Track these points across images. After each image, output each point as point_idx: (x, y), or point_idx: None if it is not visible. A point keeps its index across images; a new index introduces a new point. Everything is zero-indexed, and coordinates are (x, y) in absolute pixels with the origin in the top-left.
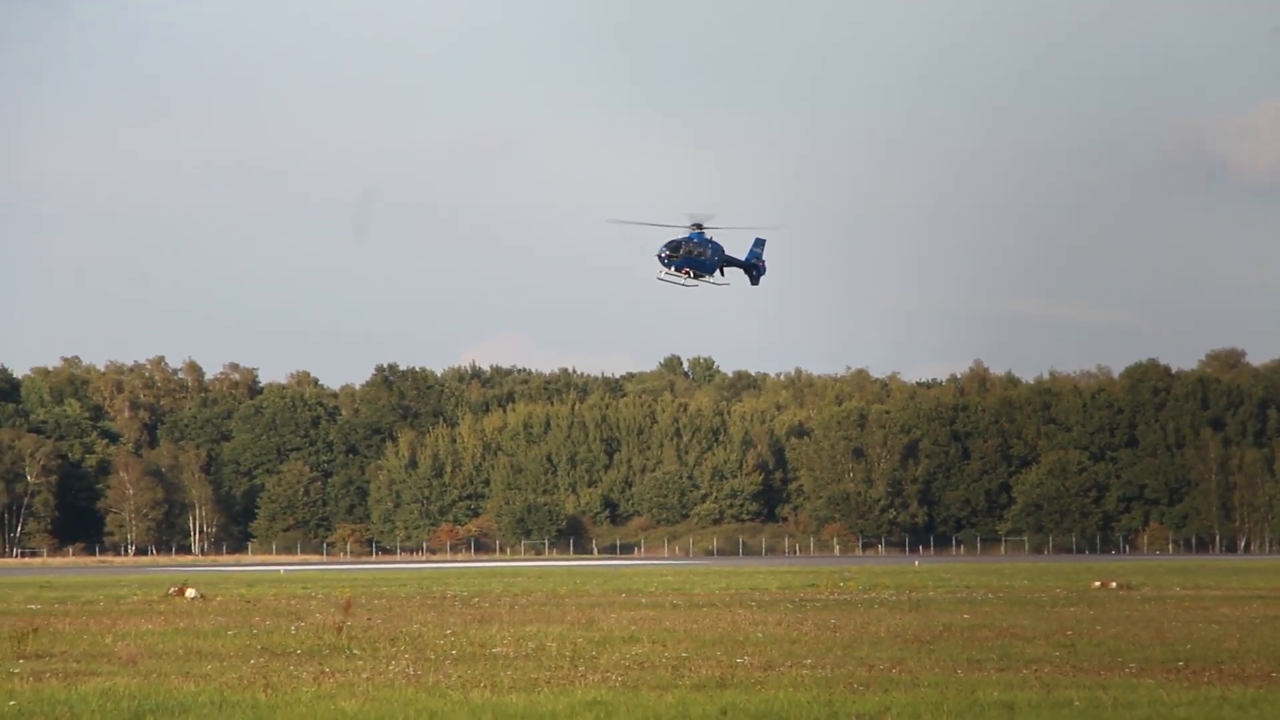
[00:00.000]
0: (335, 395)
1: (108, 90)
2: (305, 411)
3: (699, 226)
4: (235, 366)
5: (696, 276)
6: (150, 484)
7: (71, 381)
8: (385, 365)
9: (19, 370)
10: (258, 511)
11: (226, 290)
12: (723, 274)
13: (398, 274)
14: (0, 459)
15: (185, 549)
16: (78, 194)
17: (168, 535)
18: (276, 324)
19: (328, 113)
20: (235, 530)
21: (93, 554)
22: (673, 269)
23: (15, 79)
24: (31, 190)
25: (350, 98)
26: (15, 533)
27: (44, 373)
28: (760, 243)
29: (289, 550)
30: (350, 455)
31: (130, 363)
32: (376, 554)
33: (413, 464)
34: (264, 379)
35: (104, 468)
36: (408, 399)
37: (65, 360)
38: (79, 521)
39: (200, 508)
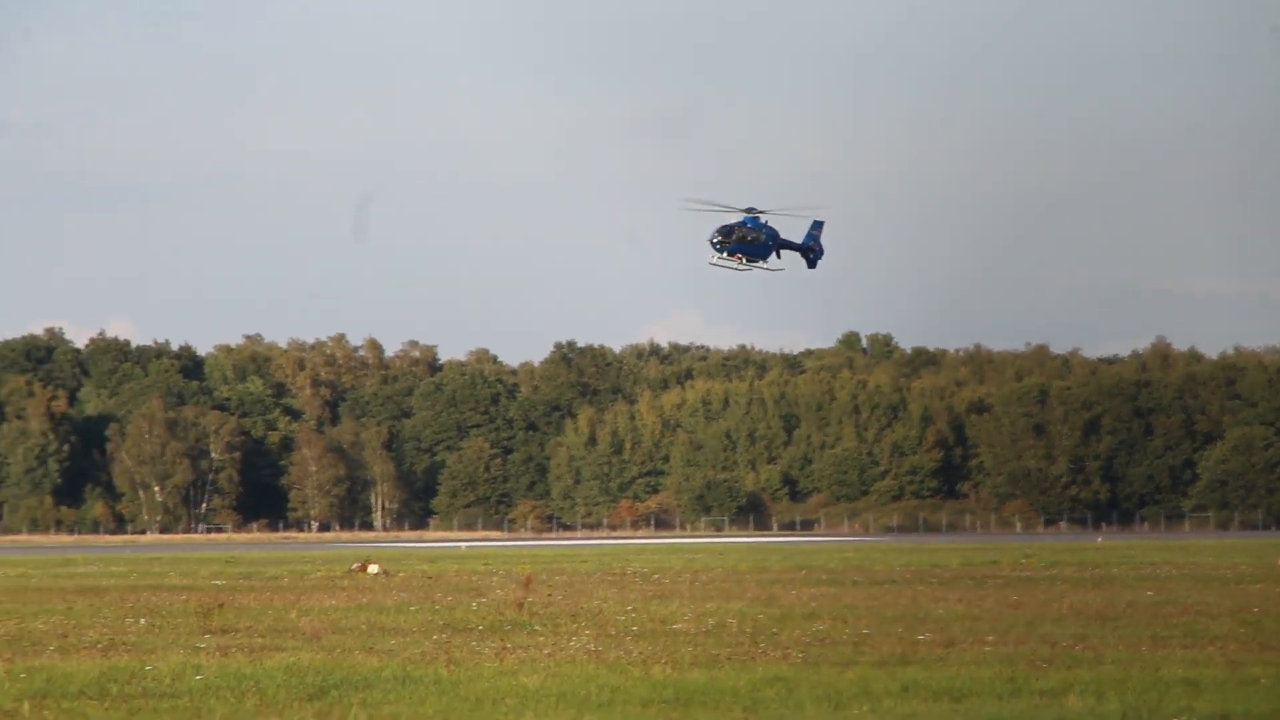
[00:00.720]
0: (514, 372)
1: (299, 73)
2: (485, 389)
3: (752, 211)
4: (415, 344)
5: (749, 261)
6: (332, 460)
7: (254, 359)
8: (564, 343)
9: (203, 348)
10: (439, 488)
11: (406, 268)
12: (779, 257)
13: (576, 253)
14: (185, 436)
15: (368, 525)
16: (258, 175)
17: (350, 511)
18: (456, 302)
19: (508, 90)
20: (417, 506)
21: (276, 530)
22: (725, 254)
23: (228, 61)
24: (216, 170)
25: (531, 79)
26: (201, 509)
27: (227, 350)
28: (818, 225)
29: (470, 527)
30: (530, 432)
31: (311, 340)
32: (557, 530)
33: (592, 441)
34: (443, 356)
35: (286, 444)
36: (586, 376)
37: (248, 338)
38: (263, 498)
39: (382, 484)
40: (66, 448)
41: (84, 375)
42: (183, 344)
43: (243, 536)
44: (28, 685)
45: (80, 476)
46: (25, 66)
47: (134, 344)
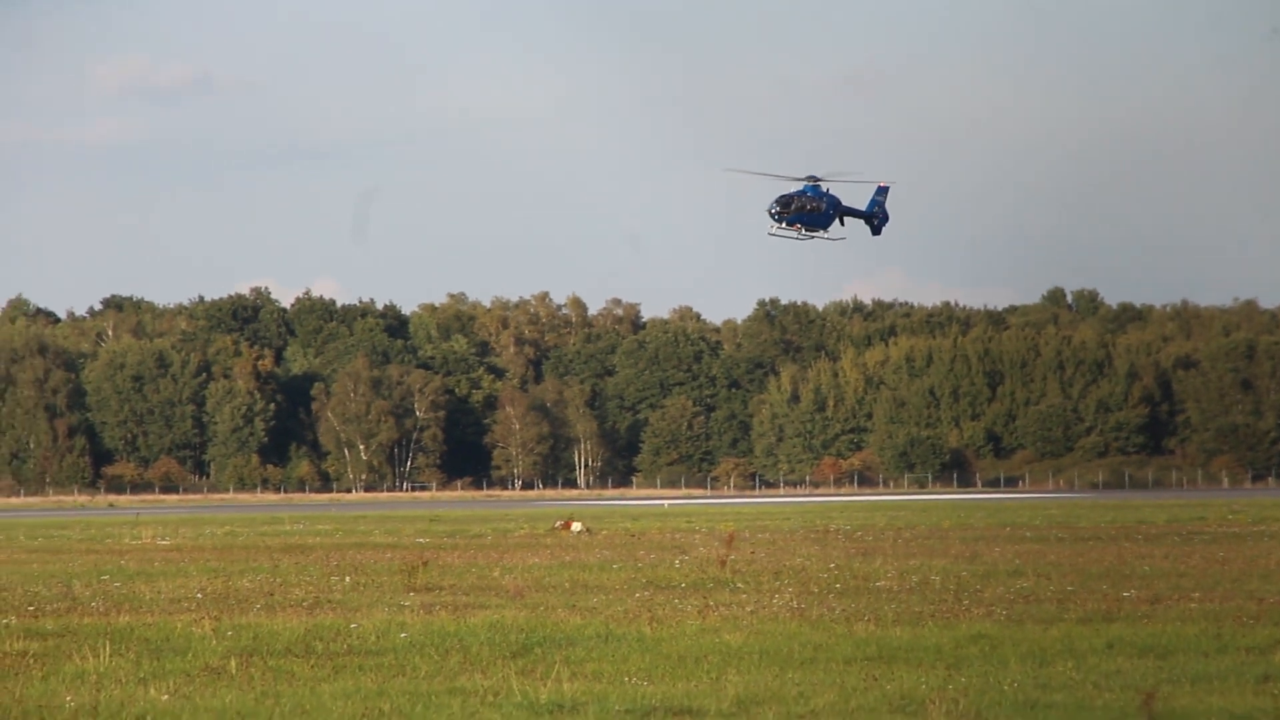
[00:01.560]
0: (717, 330)
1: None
2: (688, 346)
3: (814, 179)
4: (618, 302)
5: (809, 231)
6: (535, 419)
7: (458, 318)
8: (767, 300)
9: (407, 307)
10: (641, 446)
11: (607, 226)
12: (842, 224)
13: None
14: (390, 394)
15: (570, 483)
16: (462, 133)
17: (553, 470)
18: (658, 259)
19: (719, 52)
20: (620, 465)
21: (480, 488)
22: (784, 224)
23: (430, 20)
24: (419, 129)
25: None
26: (405, 467)
27: (431, 309)
28: (883, 190)
29: (673, 485)
30: (733, 390)
31: (515, 299)
32: (760, 488)
33: (795, 398)
34: (646, 314)
35: (490, 403)
36: (789, 333)
37: (452, 296)
38: (467, 456)
39: (585, 442)
40: (272, 407)
41: (290, 334)
42: (387, 303)
43: (446, 494)
44: (235, 643)
45: (286, 435)
46: (232, 25)
47: (339, 303)
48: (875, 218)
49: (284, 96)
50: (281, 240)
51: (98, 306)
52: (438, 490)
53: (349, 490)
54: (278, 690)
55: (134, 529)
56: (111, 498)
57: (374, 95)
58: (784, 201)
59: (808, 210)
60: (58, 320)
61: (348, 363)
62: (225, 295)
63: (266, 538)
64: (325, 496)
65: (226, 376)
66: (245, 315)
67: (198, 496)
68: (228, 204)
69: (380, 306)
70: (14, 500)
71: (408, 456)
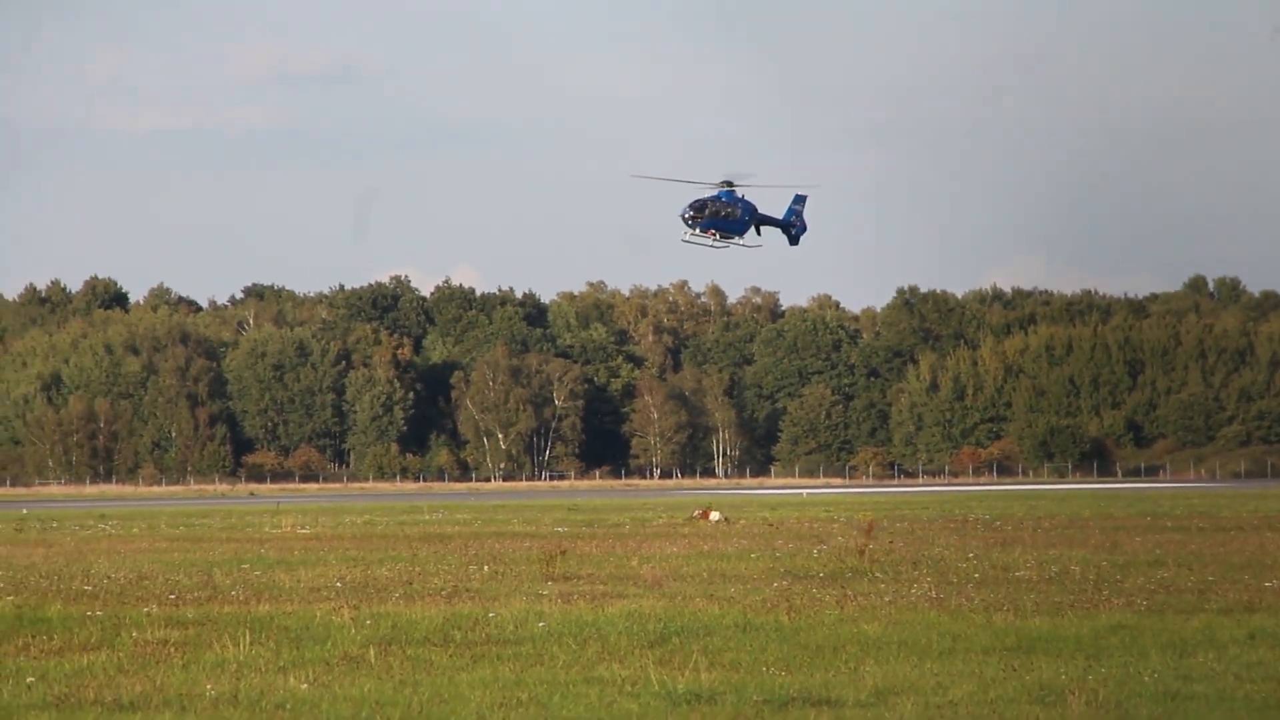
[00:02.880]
0: (856, 318)
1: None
2: (826, 335)
3: (729, 184)
4: (757, 290)
5: (724, 238)
6: (674, 408)
7: (597, 306)
8: (906, 288)
9: (546, 295)
10: (780, 435)
11: None
12: (758, 233)
13: (918, 197)
14: (529, 383)
15: (709, 472)
16: (599, 121)
17: (691, 459)
18: (797, 248)
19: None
20: (758, 454)
21: (618, 477)
22: (697, 230)
23: (567, 7)
24: (557, 115)
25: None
26: (544, 456)
27: (570, 298)
28: (800, 199)
29: (811, 474)
30: (871, 378)
31: (654, 287)
32: (898, 477)
33: (934, 387)
34: (785, 302)
35: (629, 392)
36: (929, 322)
37: (590, 285)
38: (605, 445)
39: (723, 431)
40: (411, 395)
41: (429, 323)
42: (526, 291)
43: (585, 483)
44: (373, 631)
45: (425, 424)
46: (372, 13)
47: (478, 291)
48: (793, 226)
49: (421, 83)
50: (421, 228)
51: (239, 295)
52: (576, 479)
53: (487, 479)
54: (416, 679)
55: (274, 518)
56: (252, 486)
57: (509, 81)
58: (697, 206)
59: (722, 216)
60: (199, 309)
61: (487, 351)
62: (365, 284)
63: (405, 526)
64: (464, 485)
65: (366, 365)
66: (385, 304)
67: (337, 485)
68: (367, 192)
69: (519, 295)
70: (156, 489)
71: (546, 445)
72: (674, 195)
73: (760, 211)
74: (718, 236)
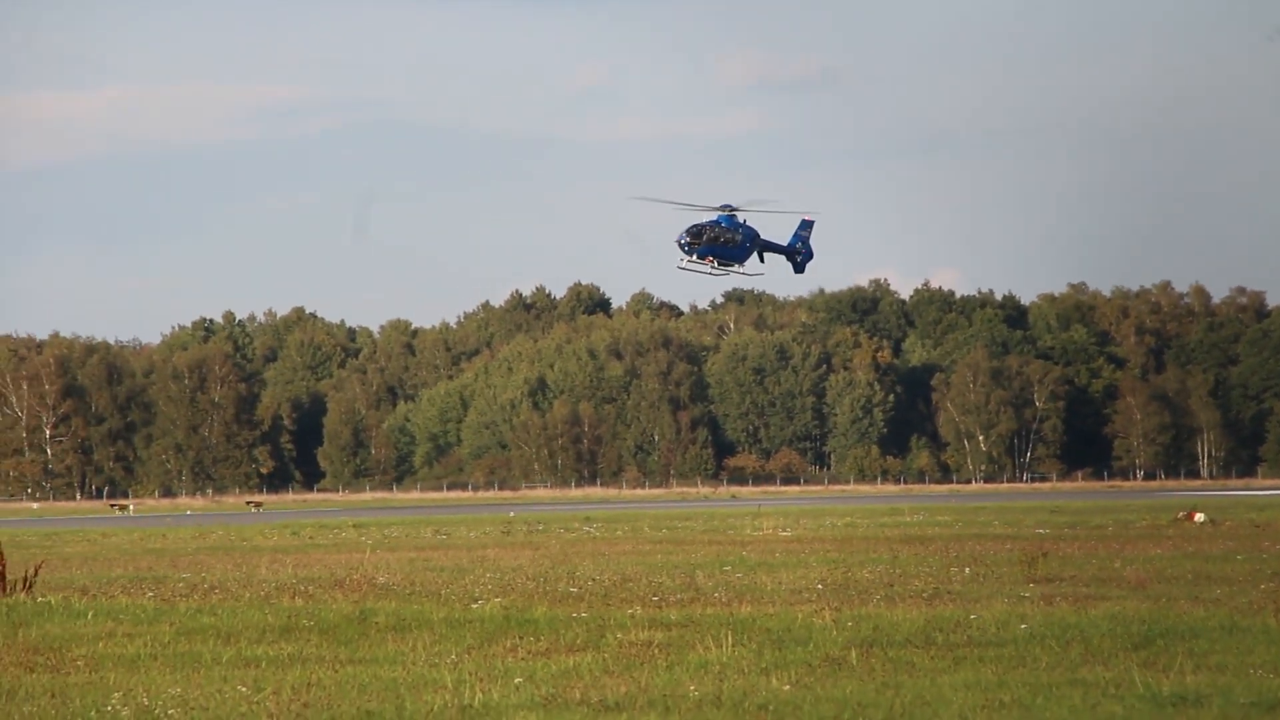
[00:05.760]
0: None
1: None
2: None
3: (729, 209)
4: (1242, 290)
5: (723, 265)
6: (1157, 409)
7: (1078, 308)
8: None
9: (1026, 297)
10: (1266, 435)
11: (1235, 211)
12: (761, 260)
13: None
14: (1009, 385)
15: (1193, 474)
16: (1067, 121)
17: (1175, 460)
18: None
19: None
20: (1244, 455)
21: (1100, 479)
22: (694, 257)
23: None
24: (1036, 117)
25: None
26: (1025, 458)
27: (1050, 299)
28: (807, 225)
29: None
30: None
31: (1135, 288)
32: None
33: None
34: (1271, 301)
35: (1110, 393)
36: None
37: (1072, 286)
38: (1086, 446)
39: (1208, 432)
40: (891, 398)
41: (908, 326)
42: (1006, 293)
43: (1066, 485)
44: (854, 633)
45: (905, 426)
46: (852, 17)
47: (958, 294)
48: (798, 253)
49: (907, 88)
50: (902, 231)
51: (719, 300)
52: (1057, 481)
53: (968, 481)
54: (898, 681)
55: (755, 520)
56: (734, 489)
57: (991, 84)
58: (694, 232)
59: (721, 242)
60: (680, 313)
61: (966, 353)
62: (845, 287)
63: (886, 529)
64: (944, 487)
65: (846, 368)
66: (864, 307)
67: (818, 488)
68: (852, 196)
69: (999, 297)
70: (639, 491)
71: (1027, 447)
72: None
73: (763, 237)
74: (715, 264)
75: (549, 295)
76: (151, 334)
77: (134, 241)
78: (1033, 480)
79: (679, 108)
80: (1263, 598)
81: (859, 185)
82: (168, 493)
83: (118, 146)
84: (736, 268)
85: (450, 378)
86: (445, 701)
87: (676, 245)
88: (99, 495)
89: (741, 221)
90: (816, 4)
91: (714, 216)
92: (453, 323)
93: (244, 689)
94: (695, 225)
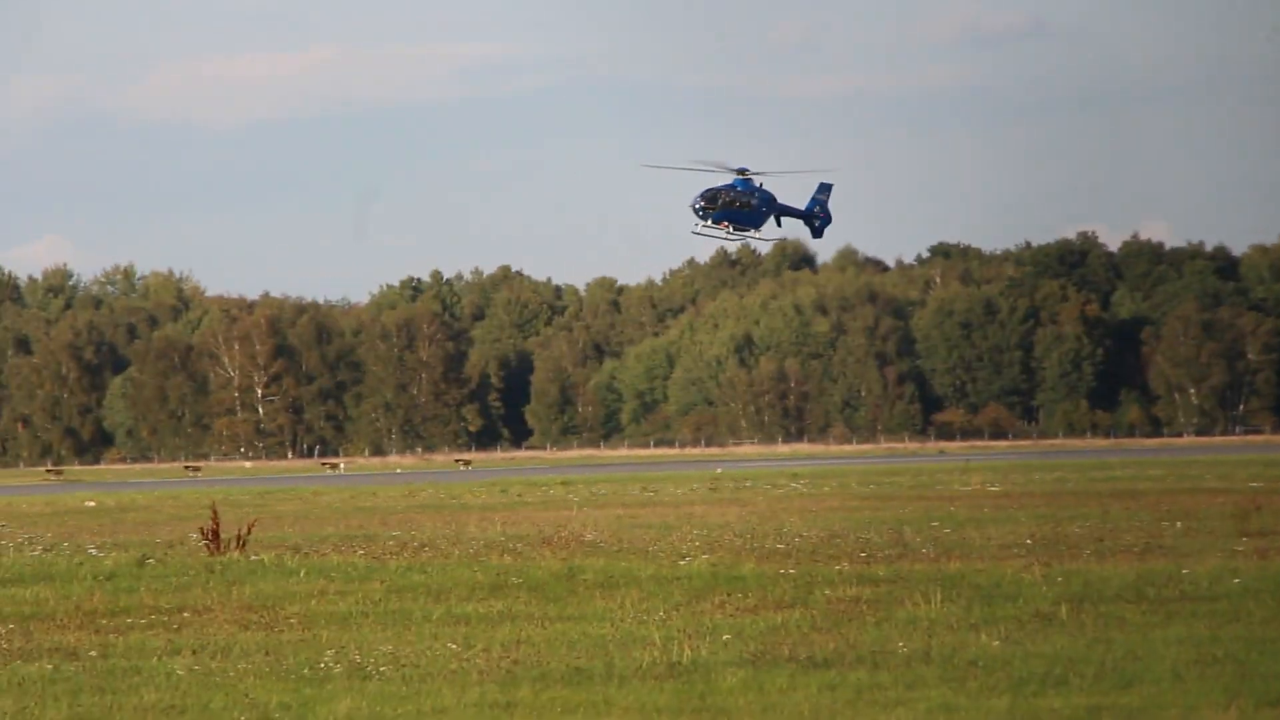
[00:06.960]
0: None
1: None
2: None
3: (743, 172)
4: None
5: (739, 230)
6: None
7: None
8: None
9: (1238, 248)
10: None
11: None
12: (779, 224)
13: None
14: (1221, 337)
15: None
16: None
17: None
18: None
19: None
20: None
21: None
22: (709, 222)
23: None
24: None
25: None
26: (1238, 410)
27: (1263, 250)
28: (825, 188)
29: None
30: None
31: None
32: None
33: None
34: None
35: None
36: None
37: None
38: None
39: None
40: (1100, 351)
41: (1117, 278)
42: (1217, 244)
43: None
44: (1064, 589)
45: (1114, 380)
46: None
47: (1168, 246)
48: (816, 218)
49: (1114, 39)
50: (1110, 183)
51: (925, 254)
52: (1271, 434)
53: (1179, 434)
54: (1109, 636)
55: (963, 475)
56: (941, 444)
57: (1209, 34)
58: (709, 196)
59: (736, 206)
60: (886, 269)
61: (1177, 306)
62: (1052, 240)
63: (1095, 483)
64: (1155, 441)
65: (1054, 322)
66: (1072, 260)
67: (1026, 442)
68: (1054, 148)
69: (1210, 249)
70: (846, 447)
71: (1240, 400)
72: None
73: (780, 201)
74: (730, 229)
75: (754, 251)
76: (360, 293)
77: (341, 202)
78: (1246, 433)
79: (884, 61)
80: None
81: (1058, 136)
82: (378, 451)
83: (327, 107)
84: (753, 233)
85: (656, 335)
86: (654, 658)
87: (691, 210)
88: (310, 454)
89: (758, 185)
90: None
91: (730, 179)
92: (658, 279)
93: (454, 646)
94: (710, 189)
